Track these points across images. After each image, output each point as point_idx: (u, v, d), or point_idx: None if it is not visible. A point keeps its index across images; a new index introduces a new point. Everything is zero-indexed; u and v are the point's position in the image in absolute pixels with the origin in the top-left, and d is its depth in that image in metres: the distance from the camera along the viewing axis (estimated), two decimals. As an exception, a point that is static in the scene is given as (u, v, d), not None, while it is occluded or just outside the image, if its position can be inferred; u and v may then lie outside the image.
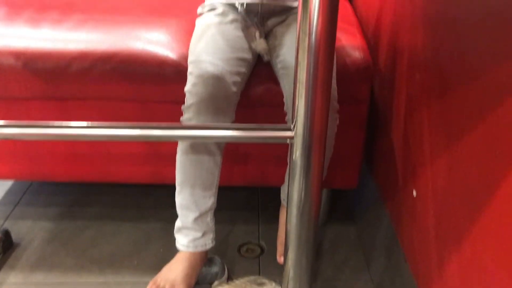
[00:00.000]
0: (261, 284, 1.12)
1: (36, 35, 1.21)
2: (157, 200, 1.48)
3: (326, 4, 0.70)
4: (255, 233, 1.37)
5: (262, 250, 1.31)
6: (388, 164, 1.19)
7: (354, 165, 1.30)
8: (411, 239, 1.02)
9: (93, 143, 1.26)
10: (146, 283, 1.13)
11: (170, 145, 1.13)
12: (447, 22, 0.84)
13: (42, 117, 1.23)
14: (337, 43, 1.16)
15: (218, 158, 1.11)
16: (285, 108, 1.12)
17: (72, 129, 0.84)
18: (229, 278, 1.20)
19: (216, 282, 1.17)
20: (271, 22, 1.15)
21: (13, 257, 1.26)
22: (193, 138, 1.00)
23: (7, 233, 1.29)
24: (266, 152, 1.28)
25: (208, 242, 1.15)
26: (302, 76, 0.76)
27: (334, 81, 1.08)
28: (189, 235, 1.13)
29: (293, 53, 0.79)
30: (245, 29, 1.14)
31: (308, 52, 0.75)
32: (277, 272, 1.14)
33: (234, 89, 1.08)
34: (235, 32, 1.12)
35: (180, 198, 1.12)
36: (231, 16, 1.13)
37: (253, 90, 1.17)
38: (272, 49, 1.15)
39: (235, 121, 1.10)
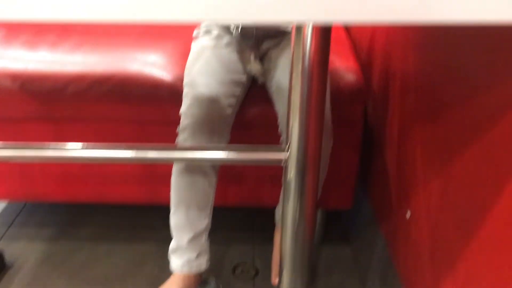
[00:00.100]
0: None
1: (34, 57, 1.22)
2: (151, 221, 1.47)
3: (319, 30, 0.72)
4: (250, 254, 1.37)
5: (257, 271, 1.31)
6: (382, 185, 1.20)
7: (348, 185, 1.30)
8: (405, 261, 1.02)
9: (87, 163, 1.27)
10: (140, 306, 1.12)
11: (165, 165, 1.13)
12: (438, 45, 0.85)
13: (38, 137, 1.23)
14: (331, 66, 1.18)
15: (213, 179, 1.11)
16: (279, 129, 1.13)
17: (68, 151, 0.85)
18: (224, 300, 1.19)
19: (210, 304, 1.16)
20: (265, 45, 1.17)
21: (6, 279, 1.25)
22: (188, 160, 1.00)
23: (0, 255, 1.28)
24: (261, 173, 1.28)
25: (202, 263, 1.14)
26: (296, 99, 0.78)
27: (328, 103, 1.09)
28: (183, 256, 1.13)
29: (287, 76, 0.80)
30: (240, 52, 1.15)
31: (301, 76, 0.76)
32: (271, 294, 1.14)
33: (229, 110, 1.09)
34: (230, 55, 1.14)
35: (175, 219, 1.12)
36: (226, 39, 1.15)
37: (248, 112, 1.18)
38: (266, 72, 1.16)
39: (230, 142, 1.11)
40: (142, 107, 1.19)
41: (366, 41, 1.36)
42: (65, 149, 0.84)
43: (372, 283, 1.21)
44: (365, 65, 1.33)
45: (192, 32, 1.23)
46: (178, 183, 1.10)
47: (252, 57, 1.15)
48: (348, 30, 1.54)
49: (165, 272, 1.16)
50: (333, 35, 0.76)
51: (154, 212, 1.48)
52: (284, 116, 0.94)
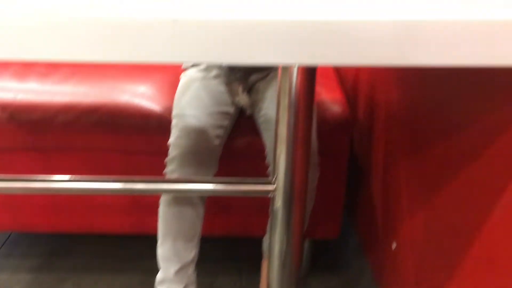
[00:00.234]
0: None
1: (23, 87, 1.23)
2: (137, 251, 1.46)
3: (305, 68, 0.74)
4: (237, 285, 1.36)
5: (244, 303, 1.30)
6: (369, 215, 1.21)
7: (335, 215, 1.31)
8: (392, 291, 1.02)
9: (75, 195, 1.26)
10: (126, 338, 1.11)
11: (152, 195, 1.13)
12: (420, 80, 0.88)
13: (26, 167, 1.23)
14: (317, 97, 1.21)
15: (201, 210, 1.11)
16: (267, 160, 1.14)
17: (55, 182, 0.85)
18: (211, 332, 1.17)
19: (197, 337, 1.15)
20: (253, 77, 1.19)
21: (-12, 312, 1.23)
22: (176, 192, 1.01)
23: (-17, 287, 1.26)
24: (249, 203, 1.29)
25: (189, 295, 1.14)
26: (283, 132, 0.79)
27: (314, 135, 1.11)
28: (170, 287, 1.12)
29: (274, 108, 0.82)
30: (228, 84, 1.17)
31: (288, 108, 0.78)
32: (259, 325, 1.13)
33: (217, 142, 1.10)
34: (218, 87, 1.16)
35: (162, 250, 1.12)
36: (214, 71, 1.17)
37: (236, 143, 1.20)
38: (254, 103, 1.18)
39: (218, 172, 1.12)
40: (131, 138, 1.20)
41: (352, 73, 1.39)
42: (53, 180, 0.85)
43: (360, 314, 1.21)
44: (351, 97, 1.36)
45: (181, 64, 1.25)
46: (166, 214, 1.10)
47: (240, 89, 1.18)
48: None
49: (152, 304, 1.15)
50: (319, 68, 0.78)
51: (140, 242, 1.47)
52: (272, 147, 0.95)
